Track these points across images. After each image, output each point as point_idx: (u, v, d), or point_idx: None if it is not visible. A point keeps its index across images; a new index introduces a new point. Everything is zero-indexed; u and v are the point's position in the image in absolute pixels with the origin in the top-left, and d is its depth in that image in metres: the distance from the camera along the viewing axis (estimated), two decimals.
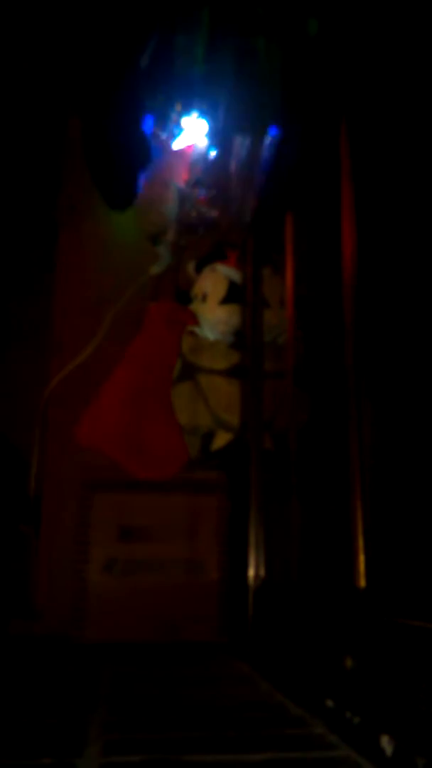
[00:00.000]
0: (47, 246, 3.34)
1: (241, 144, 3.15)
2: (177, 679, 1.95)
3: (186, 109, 3.37)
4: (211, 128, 3.38)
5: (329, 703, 1.35)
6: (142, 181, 3.22)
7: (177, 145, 3.46)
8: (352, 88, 1.64)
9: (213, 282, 2.87)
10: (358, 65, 1.62)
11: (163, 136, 3.44)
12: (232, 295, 2.81)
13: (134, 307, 3.11)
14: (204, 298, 2.86)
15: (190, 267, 3.05)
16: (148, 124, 3.32)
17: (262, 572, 2.33)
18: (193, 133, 3.43)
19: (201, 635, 2.53)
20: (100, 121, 2.92)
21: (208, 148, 3.43)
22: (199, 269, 2.98)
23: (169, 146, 3.46)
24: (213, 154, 3.44)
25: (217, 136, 3.38)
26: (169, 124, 3.41)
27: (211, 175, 3.42)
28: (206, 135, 3.42)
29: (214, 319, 2.79)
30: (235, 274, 2.84)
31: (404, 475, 1.66)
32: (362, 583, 1.38)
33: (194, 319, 2.83)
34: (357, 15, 1.55)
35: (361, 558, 1.39)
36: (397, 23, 1.50)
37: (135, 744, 1.19)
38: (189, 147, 3.47)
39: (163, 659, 2.31)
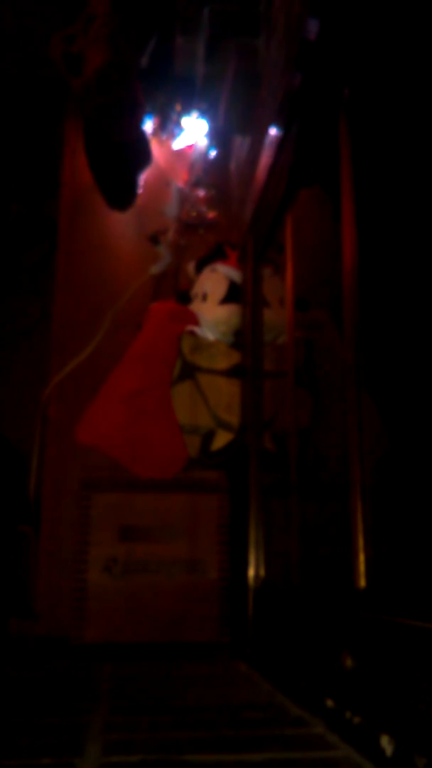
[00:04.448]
0: (47, 246, 3.34)
1: (241, 144, 3.15)
2: (177, 679, 1.95)
3: (186, 109, 3.38)
4: (211, 128, 3.39)
5: (329, 703, 1.35)
6: (142, 181, 3.22)
7: (177, 145, 3.47)
8: (351, 83, 1.64)
9: (213, 282, 2.87)
10: (358, 60, 1.63)
11: (163, 136, 3.44)
12: (232, 295, 2.81)
13: (134, 307, 3.11)
14: (204, 298, 2.86)
15: (190, 267, 3.05)
16: (148, 124, 3.32)
17: (262, 572, 2.33)
18: (193, 133, 3.44)
19: (201, 635, 2.53)
20: (100, 121, 2.92)
21: (208, 148, 3.44)
22: (199, 269, 2.98)
23: (169, 146, 3.47)
24: (213, 154, 3.45)
25: (217, 136, 3.39)
26: (169, 124, 3.42)
27: (211, 175, 3.43)
28: (206, 135, 3.42)
29: (214, 319, 2.79)
30: (235, 274, 2.84)
31: (405, 474, 1.66)
32: (362, 583, 1.38)
33: (194, 319, 2.83)
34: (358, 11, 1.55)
35: (361, 558, 1.39)
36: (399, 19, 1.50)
37: (135, 744, 1.19)
38: (189, 147, 3.47)
39: (163, 659, 2.31)
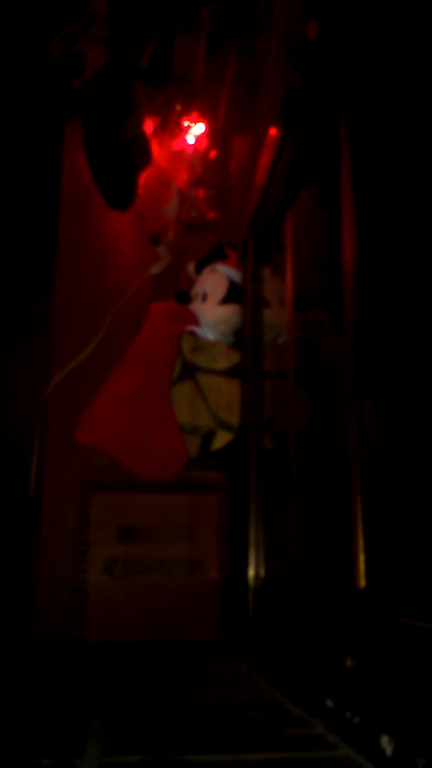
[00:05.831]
0: (47, 246, 3.34)
1: (241, 144, 3.15)
2: (177, 679, 1.95)
3: (186, 109, 3.38)
4: (211, 128, 3.39)
5: (329, 703, 1.35)
6: (141, 181, 3.22)
7: (177, 145, 3.47)
8: (350, 83, 1.64)
9: (213, 282, 2.87)
10: (358, 60, 1.63)
11: (163, 136, 3.45)
12: (232, 295, 2.81)
13: (134, 307, 3.11)
14: (204, 298, 2.86)
15: (190, 267, 3.05)
16: (148, 124, 3.33)
17: (262, 572, 2.33)
18: (193, 133, 3.44)
19: (201, 635, 2.52)
20: (100, 121, 2.92)
21: (208, 148, 3.44)
22: (199, 269, 2.98)
23: (169, 146, 3.47)
24: (213, 154, 3.45)
25: (217, 136, 3.39)
26: (169, 124, 3.42)
27: (211, 175, 3.43)
28: (206, 135, 3.43)
29: (214, 319, 2.79)
30: (235, 274, 2.84)
31: (405, 474, 1.66)
32: (362, 583, 1.38)
33: (194, 319, 2.83)
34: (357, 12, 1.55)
35: (361, 558, 1.39)
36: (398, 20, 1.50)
37: (135, 744, 1.19)
38: (189, 147, 3.47)
39: (163, 659, 2.31)
